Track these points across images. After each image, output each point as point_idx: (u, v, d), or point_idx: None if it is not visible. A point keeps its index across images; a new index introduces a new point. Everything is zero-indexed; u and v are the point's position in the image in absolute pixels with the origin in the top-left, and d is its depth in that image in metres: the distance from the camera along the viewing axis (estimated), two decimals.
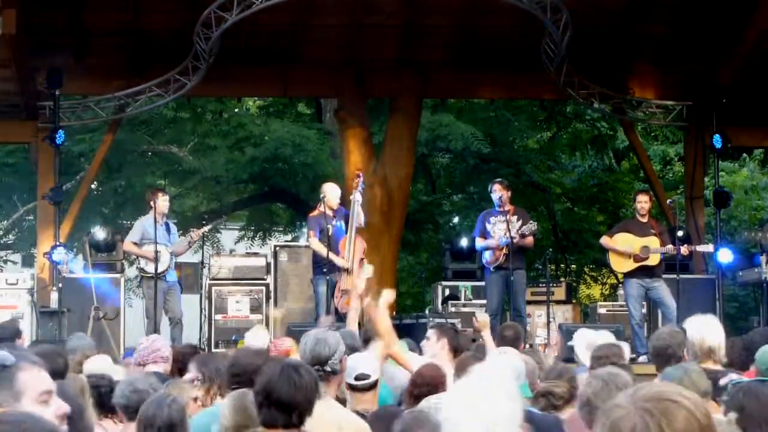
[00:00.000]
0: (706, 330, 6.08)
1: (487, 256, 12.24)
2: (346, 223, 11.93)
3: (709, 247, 13.29)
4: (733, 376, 5.94)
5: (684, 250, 12.36)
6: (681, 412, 2.10)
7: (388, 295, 7.32)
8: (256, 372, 5.34)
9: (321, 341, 5.02)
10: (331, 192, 12.18)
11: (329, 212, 12.04)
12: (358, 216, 11.86)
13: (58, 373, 5.25)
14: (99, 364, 6.58)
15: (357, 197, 11.84)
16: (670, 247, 12.15)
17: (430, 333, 7.59)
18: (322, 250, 11.81)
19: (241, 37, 14.09)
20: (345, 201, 12.35)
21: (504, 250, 12.00)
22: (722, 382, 5.66)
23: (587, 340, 7.07)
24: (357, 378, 5.46)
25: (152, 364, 6.97)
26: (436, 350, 7.36)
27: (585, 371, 6.64)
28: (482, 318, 8.46)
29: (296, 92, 16.87)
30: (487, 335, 8.13)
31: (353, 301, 8.01)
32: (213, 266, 13.81)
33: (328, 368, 4.96)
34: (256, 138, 19.07)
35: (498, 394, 3.02)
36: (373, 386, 5.51)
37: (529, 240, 12.27)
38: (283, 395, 4.00)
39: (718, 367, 6.04)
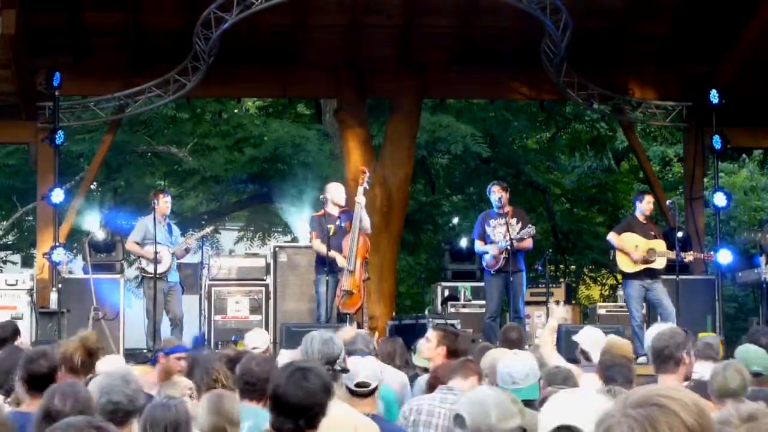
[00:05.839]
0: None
1: (487, 258, 12.27)
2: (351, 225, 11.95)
3: (711, 256, 13.27)
4: (695, 377, 5.97)
5: (689, 257, 12.38)
6: (664, 418, 2.11)
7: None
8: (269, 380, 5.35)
9: (328, 341, 5.00)
10: (334, 191, 12.23)
11: (333, 212, 12.07)
12: (363, 220, 11.88)
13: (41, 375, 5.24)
14: (112, 364, 6.55)
15: (361, 199, 11.88)
16: (673, 252, 12.17)
17: (431, 335, 7.59)
18: (323, 249, 11.84)
19: (241, 37, 14.09)
20: (349, 202, 12.38)
21: (504, 254, 12.02)
22: (684, 384, 5.68)
23: (595, 338, 7.10)
24: (358, 385, 5.48)
25: None
26: (433, 354, 7.36)
27: (592, 370, 6.66)
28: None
29: (296, 93, 16.87)
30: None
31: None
32: (212, 267, 13.79)
33: (337, 367, 4.95)
34: (255, 138, 19.07)
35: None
36: (372, 392, 5.53)
37: (527, 242, 12.30)
38: (290, 400, 3.92)
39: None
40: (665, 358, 5.59)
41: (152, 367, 7.17)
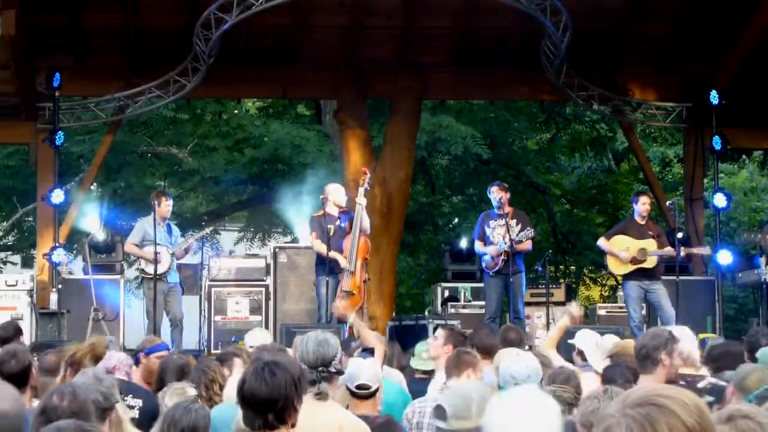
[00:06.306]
0: (681, 338, 6.02)
1: (485, 260, 12.28)
2: (351, 226, 11.96)
3: (706, 250, 13.31)
4: (711, 380, 5.92)
5: (681, 252, 12.38)
6: (663, 418, 2.10)
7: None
8: None
9: (323, 342, 4.97)
10: (334, 192, 12.23)
11: (333, 212, 12.07)
12: (363, 221, 11.89)
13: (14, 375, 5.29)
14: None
15: (362, 200, 11.88)
16: (668, 249, 12.17)
17: (439, 334, 7.65)
18: (323, 250, 11.84)
19: (241, 38, 14.09)
20: (349, 203, 12.39)
21: (503, 255, 12.03)
22: (700, 385, 5.65)
23: (595, 341, 7.11)
24: (359, 387, 5.48)
25: None
26: (440, 353, 7.39)
27: (590, 370, 6.67)
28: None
29: (296, 93, 16.86)
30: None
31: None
32: (212, 267, 13.79)
33: (332, 369, 4.93)
34: (255, 139, 19.08)
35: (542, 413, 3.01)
36: (374, 394, 5.52)
37: (526, 245, 12.31)
38: (256, 395, 3.88)
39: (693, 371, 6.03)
40: (642, 358, 5.59)
41: (136, 367, 7.21)
